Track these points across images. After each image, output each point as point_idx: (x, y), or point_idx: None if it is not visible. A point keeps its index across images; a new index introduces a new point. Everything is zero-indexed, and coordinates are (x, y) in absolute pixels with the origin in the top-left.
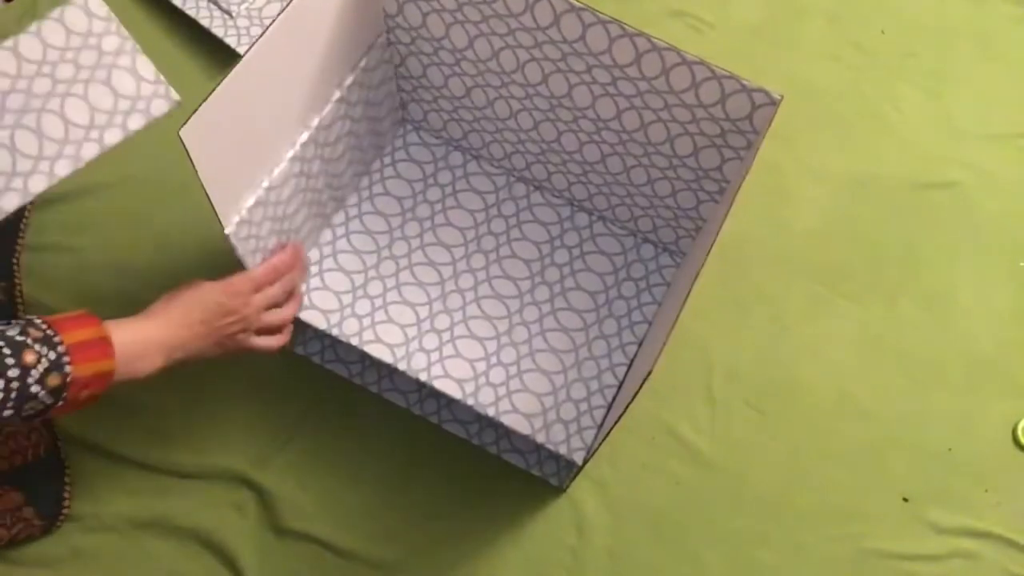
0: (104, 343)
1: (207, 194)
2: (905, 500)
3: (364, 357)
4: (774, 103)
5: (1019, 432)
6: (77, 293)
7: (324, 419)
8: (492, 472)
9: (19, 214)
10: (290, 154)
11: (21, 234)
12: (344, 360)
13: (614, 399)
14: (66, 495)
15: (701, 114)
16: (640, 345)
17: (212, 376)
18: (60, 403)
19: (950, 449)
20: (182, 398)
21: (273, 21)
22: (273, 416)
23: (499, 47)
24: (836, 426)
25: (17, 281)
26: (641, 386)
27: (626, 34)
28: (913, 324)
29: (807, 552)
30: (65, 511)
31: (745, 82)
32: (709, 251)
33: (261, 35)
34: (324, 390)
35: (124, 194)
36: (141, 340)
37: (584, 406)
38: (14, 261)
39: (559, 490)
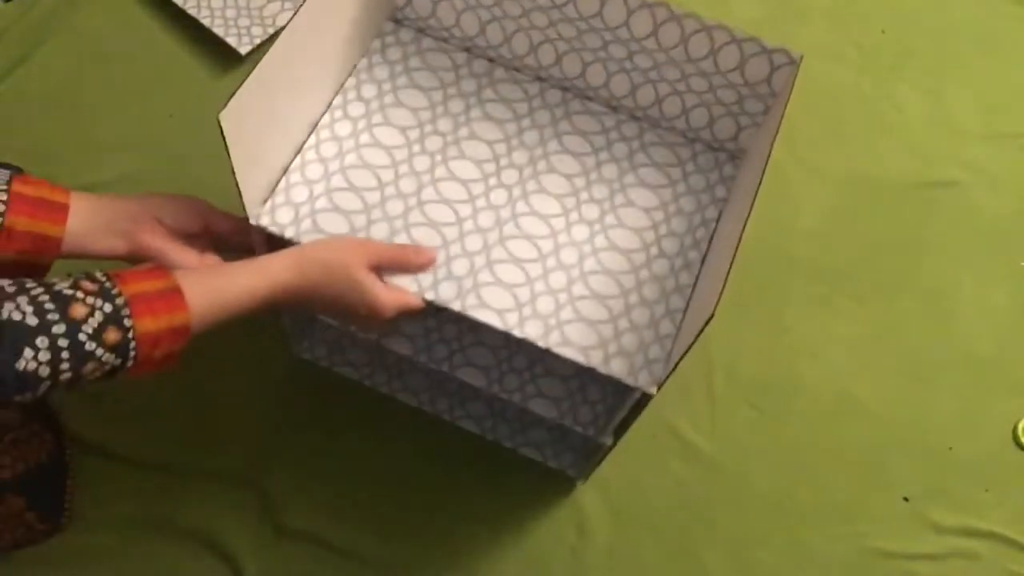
0: (174, 294)
1: (236, 180)
2: (905, 500)
3: (373, 358)
4: (793, 62)
5: (1019, 432)
6: None
7: (325, 419)
8: (493, 472)
9: None
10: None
11: None
12: (353, 363)
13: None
14: (67, 503)
15: (719, 81)
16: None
17: (213, 376)
18: (130, 363)
19: (950, 449)
20: (183, 398)
21: (292, 18)
22: (274, 416)
23: (512, 30)
24: (836, 426)
25: None
26: (702, 330)
27: (645, 5)
28: (913, 324)
29: (807, 552)
30: (66, 516)
31: (765, 44)
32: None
33: (284, 27)
34: (326, 390)
35: (126, 192)
36: (248, 293)
37: (650, 334)
38: None
39: (560, 489)
